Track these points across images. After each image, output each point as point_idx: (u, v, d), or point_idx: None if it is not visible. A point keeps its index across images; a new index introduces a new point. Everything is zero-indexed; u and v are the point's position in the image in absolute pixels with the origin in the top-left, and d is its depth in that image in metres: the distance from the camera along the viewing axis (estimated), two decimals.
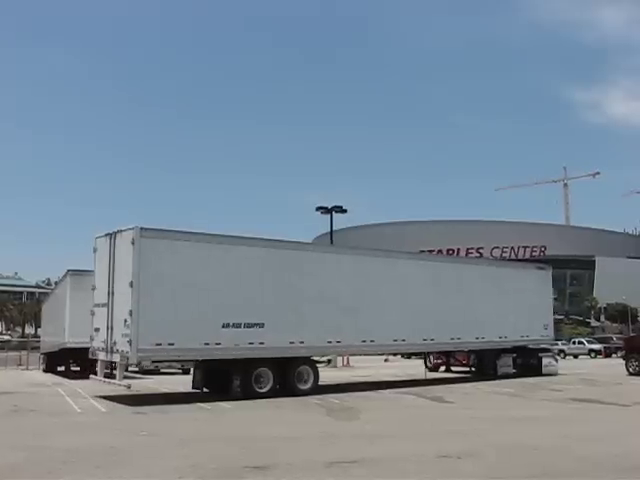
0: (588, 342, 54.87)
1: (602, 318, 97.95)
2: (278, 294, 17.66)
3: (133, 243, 15.46)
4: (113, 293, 16.19)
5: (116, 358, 15.90)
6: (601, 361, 43.85)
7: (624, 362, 26.06)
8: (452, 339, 22.20)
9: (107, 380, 16.99)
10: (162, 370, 26.96)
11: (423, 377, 23.84)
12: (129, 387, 16.39)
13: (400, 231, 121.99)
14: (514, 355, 24.64)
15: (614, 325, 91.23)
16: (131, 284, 15.26)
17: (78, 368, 27.45)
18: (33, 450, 9.15)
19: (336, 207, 35.19)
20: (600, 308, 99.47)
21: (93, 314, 17.28)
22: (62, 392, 18.55)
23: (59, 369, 27.60)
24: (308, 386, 17.97)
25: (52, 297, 34.46)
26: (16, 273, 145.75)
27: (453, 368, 26.66)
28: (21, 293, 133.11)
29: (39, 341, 38.02)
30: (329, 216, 35.67)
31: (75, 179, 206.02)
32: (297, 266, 18.36)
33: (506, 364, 24.45)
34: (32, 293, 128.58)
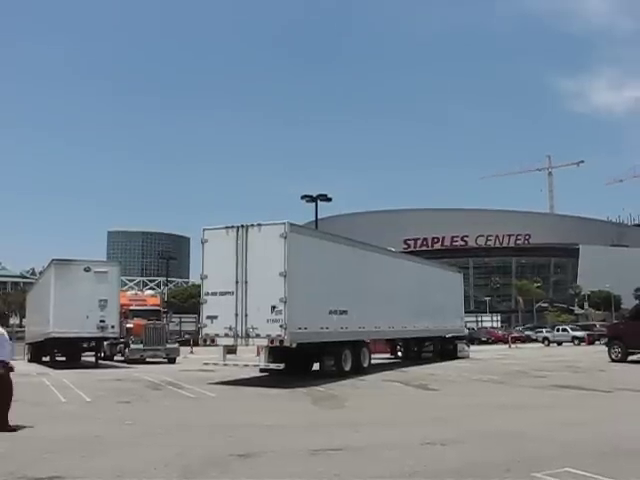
0: (572, 329, 55.39)
1: (586, 306, 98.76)
2: (355, 286, 20.07)
3: (285, 237, 16.79)
4: (246, 282, 17.16)
5: (260, 342, 17.10)
6: (584, 348, 44.28)
7: (607, 349, 26.30)
8: (403, 327, 24.33)
9: (264, 364, 17.45)
10: (147, 360, 27.02)
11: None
12: (283, 369, 17.39)
13: (385, 220, 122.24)
14: (435, 342, 28.36)
15: (597, 312, 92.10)
16: (282, 274, 16.55)
17: (63, 358, 27.38)
18: (17, 440, 9.10)
19: (321, 195, 35.05)
20: (584, 296, 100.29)
21: (205, 302, 18.06)
22: (47, 382, 18.47)
23: (44, 359, 27.44)
24: (366, 364, 20.96)
25: (36, 287, 34.26)
26: (0, 263, 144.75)
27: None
28: (5, 283, 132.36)
29: (24, 331, 37.84)
30: (313, 205, 35.42)
31: (58, 171, 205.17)
32: (363, 264, 20.97)
33: (428, 350, 28.31)
34: (16, 283, 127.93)
